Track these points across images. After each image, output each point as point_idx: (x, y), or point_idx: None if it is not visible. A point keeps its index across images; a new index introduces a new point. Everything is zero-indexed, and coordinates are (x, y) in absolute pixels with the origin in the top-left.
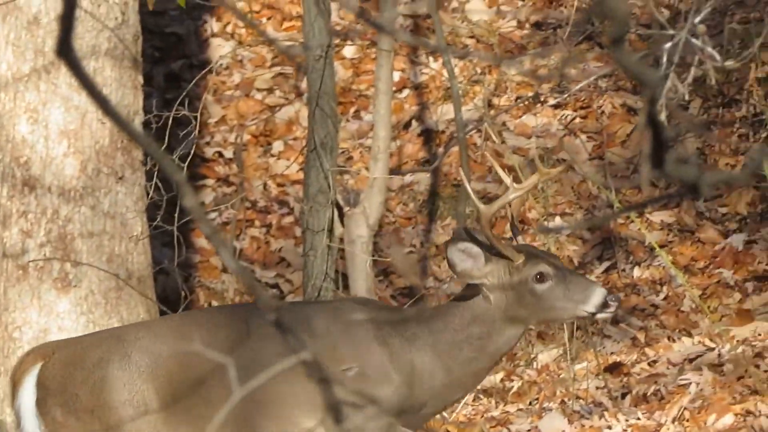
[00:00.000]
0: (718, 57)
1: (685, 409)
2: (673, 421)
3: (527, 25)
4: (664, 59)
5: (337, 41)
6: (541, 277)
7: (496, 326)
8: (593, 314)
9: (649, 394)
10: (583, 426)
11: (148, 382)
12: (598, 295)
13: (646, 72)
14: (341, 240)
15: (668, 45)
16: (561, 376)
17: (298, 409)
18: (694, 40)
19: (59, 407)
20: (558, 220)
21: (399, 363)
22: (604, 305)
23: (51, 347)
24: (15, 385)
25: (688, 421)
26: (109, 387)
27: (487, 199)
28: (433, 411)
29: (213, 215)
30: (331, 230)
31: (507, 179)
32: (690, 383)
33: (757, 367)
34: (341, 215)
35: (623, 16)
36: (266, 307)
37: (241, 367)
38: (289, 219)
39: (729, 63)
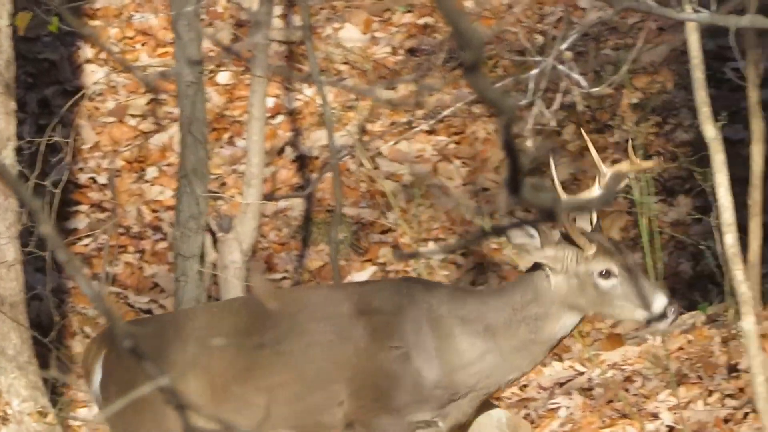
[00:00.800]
0: (584, 83)
1: None
2: None
3: (401, 51)
4: (531, 85)
5: (210, 67)
6: (606, 274)
7: (553, 309)
8: (649, 321)
9: (527, 415)
10: None
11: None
12: (659, 303)
13: (500, 99)
14: (215, 266)
15: (534, 72)
16: None
17: None
18: (561, 67)
19: (117, 390)
20: (431, 245)
21: (446, 351)
22: (663, 315)
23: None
24: (88, 371)
25: None
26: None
27: (361, 224)
28: (486, 392)
29: (87, 241)
30: (203, 256)
31: (600, 165)
32: (560, 407)
33: (626, 390)
34: (215, 241)
35: (478, 43)
36: (121, 334)
37: None
38: (162, 245)
39: (595, 89)
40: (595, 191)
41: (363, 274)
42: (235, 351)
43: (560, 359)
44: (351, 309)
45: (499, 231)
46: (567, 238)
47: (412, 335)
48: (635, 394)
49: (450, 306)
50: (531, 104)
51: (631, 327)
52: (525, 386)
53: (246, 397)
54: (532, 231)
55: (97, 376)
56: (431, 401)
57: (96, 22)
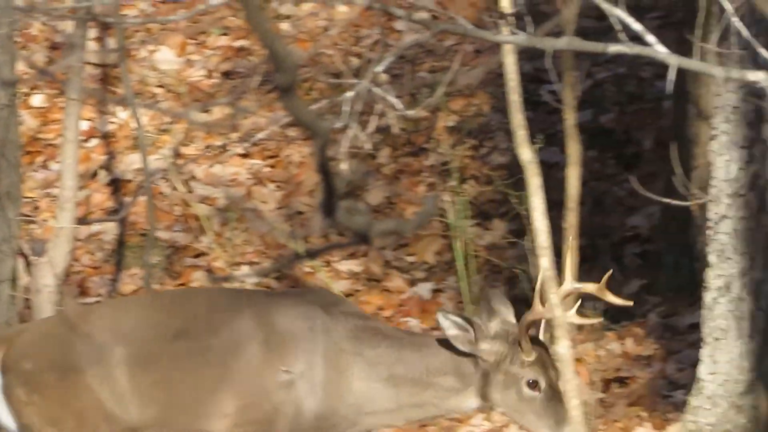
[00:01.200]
0: (400, 106)
1: None
2: None
3: (216, 74)
4: (346, 108)
5: (24, 90)
6: (534, 384)
7: (467, 391)
8: None
9: None
10: None
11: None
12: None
13: (315, 121)
14: (27, 289)
15: (349, 94)
16: None
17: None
18: (376, 89)
19: (23, 388)
20: (245, 269)
21: (335, 386)
22: None
23: (10, 335)
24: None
25: None
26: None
27: (175, 248)
28: (365, 430)
29: None
30: (14, 279)
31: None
32: None
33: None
34: (27, 264)
35: (292, 66)
36: None
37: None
38: None
39: (411, 111)
40: None
41: None
42: (143, 343)
43: None
44: (254, 322)
45: (312, 254)
46: (513, 338)
47: (303, 363)
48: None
49: (356, 343)
50: (346, 127)
51: None
52: None
53: (145, 389)
54: (467, 325)
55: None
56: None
57: None
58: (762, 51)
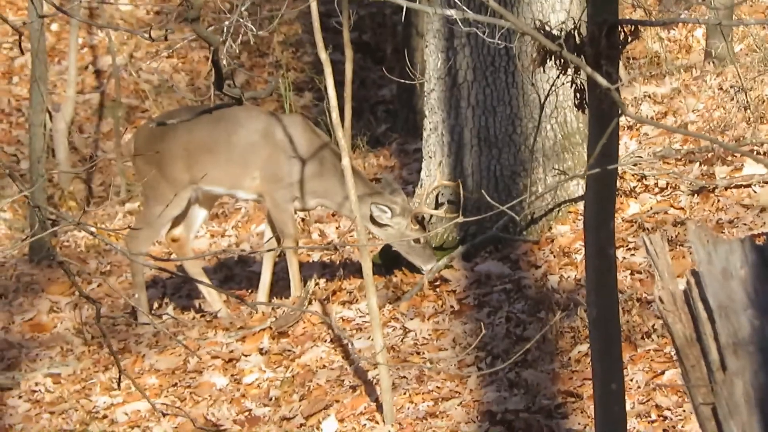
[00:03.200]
0: (253, 29)
1: (238, 221)
2: (231, 228)
3: (151, 12)
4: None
5: (47, 21)
6: (417, 241)
7: (381, 238)
8: (423, 271)
9: (220, 213)
10: None
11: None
12: (429, 266)
13: (210, 36)
14: (50, 131)
15: (227, 23)
16: None
17: None
18: (241, 20)
19: (140, 159)
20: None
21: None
22: (428, 271)
23: (142, 128)
24: (128, 152)
25: (239, 228)
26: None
27: (130, 107)
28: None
29: None
30: (44, 125)
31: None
32: (242, 207)
33: None
34: (50, 117)
35: (197, 6)
36: None
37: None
38: None
39: (260, 32)
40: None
41: None
42: (202, 132)
43: None
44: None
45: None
46: (407, 214)
47: None
48: None
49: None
50: (225, 41)
51: None
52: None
53: (202, 160)
54: (387, 209)
55: (130, 151)
56: None
57: None
58: None
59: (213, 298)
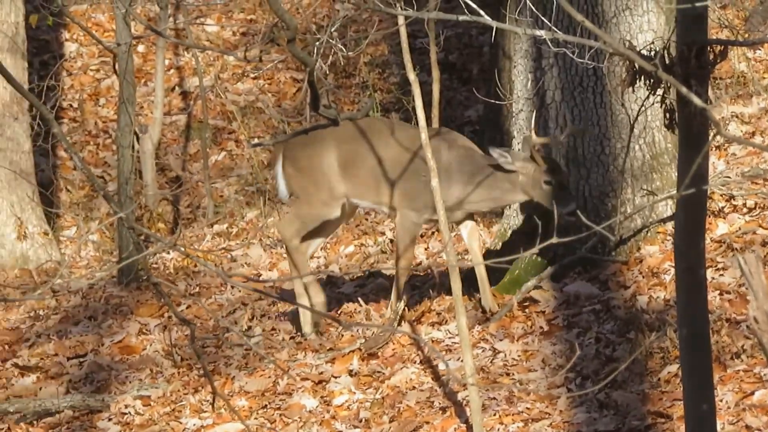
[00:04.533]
0: (342, 48)
1: (327, 243)
2: (320, 249)
3: (237, 34)
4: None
5: (133, 42)
6: (548, 182)
7: (516, 190)
8: (563, 214)
9: None
10: (272, 252)
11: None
12: (569, 207)
13: (305, 57)
14: (138, 152)
15: (318, 43)
16: None
17: None
18: (330, 40)
19: (290, 166)
20: (256, 140)
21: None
22: (568, 214)
23: (285, 142)
24: (274, 160)
25: (328, 249)
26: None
27: (217, 128)
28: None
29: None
30: (132, 147)
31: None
32: None
33: (366, 218)
34: (137, 138)
35: (293, 26)
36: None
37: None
38: None
39: (349, 53)
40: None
41: None
42: (351, 145)
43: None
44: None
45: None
46: (532, 158)
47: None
48: (372, 221)
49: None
50: (317, 61)
51: None
52: None
53: (353, 171)
54: (506, 152)
55: (279, 163)
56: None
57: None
58: (543, 19)
59: (305, 320)
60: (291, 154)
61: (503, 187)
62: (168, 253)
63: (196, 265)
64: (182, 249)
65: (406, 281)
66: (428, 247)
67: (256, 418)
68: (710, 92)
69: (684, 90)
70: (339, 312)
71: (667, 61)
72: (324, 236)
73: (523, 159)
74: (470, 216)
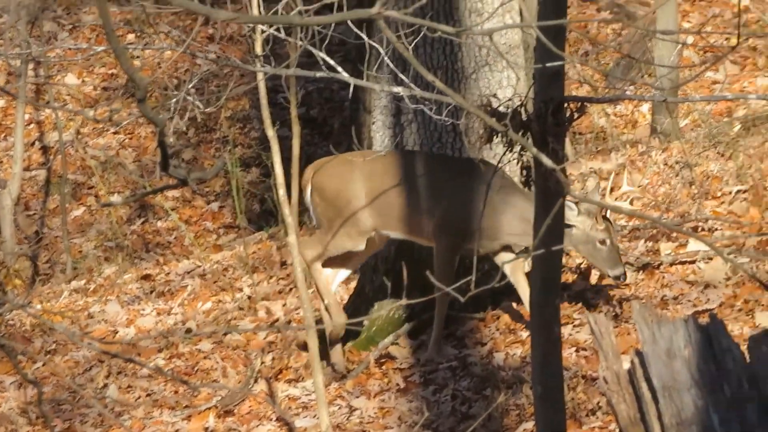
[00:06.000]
0: (200, 105)
1: (185, 299)
2: (177, 306)
3: (99, 89)
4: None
5: None
6: (603, 242)
7: (567, 240)
8: (609, 276)
9: (166, 291)
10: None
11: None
12: (617, 271)
13: (155, 116)
14: None
15: (173, 100)
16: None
17: None
18: (188, 96)
19: (317, 195)
20: (116, 196)
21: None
22: (617, 278)
23: (320, 163)
24: (303, 188)
25: (186, 305)
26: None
27: (77, 184)
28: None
29: None
30: None
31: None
32: (188, 285)
33: (224, 275)
34: None
35: (143, 86)
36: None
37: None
38: None
39: (208, 109)
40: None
41: None
42: (382, 177)
43: (188, 258)
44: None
45: (156, 190)
46: (592, 214)
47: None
48: (230, 277)
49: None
50: (172, 118)
51: (225, 241)
52: (168, 273)
53: (384, 205)
54: (573, 206)
55: (308, 190)
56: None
57: None
58: (401, 76)
59: (335, 355)
60: (319, 184)
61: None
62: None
63: (49, 327)
64: (29, 309)
65: (248, 340)
66: (285, 304)
67: None
68: (570, 148)
69: (534, 150)
70: (196, 369)
71: (524, 118)
72: (351, 268)
73: (584, 214)
74: (508, 248)
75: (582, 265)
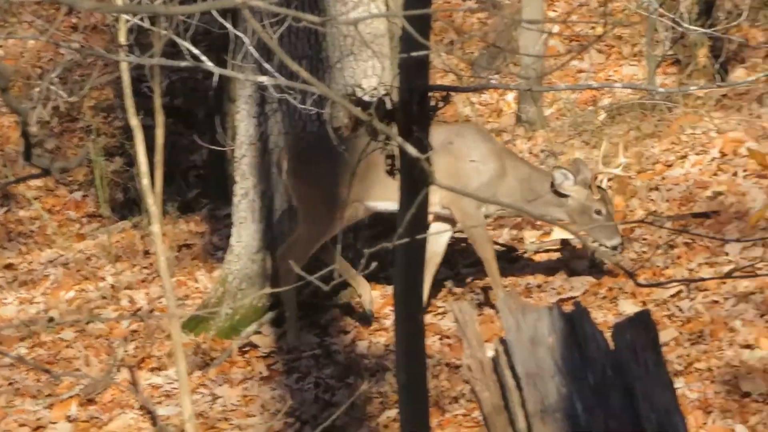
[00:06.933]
0: (64, 95)
1: (47, 288)
2: (40, 295)
3: None
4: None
5: None
6: (599, 212)
7: (561, 209)
8: (607, 247)
9: (29, 280)
10: None
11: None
12: (614, 241)
13: (18, 106)
14: None
15: (37, 89)
16: None
17: None
18: (51, 87)
19: (293, 174)
20: None
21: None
22: (613, 248)
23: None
24: (280, 165)
25: (48, 294)
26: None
27: None
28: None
29: None
30: None
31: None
32: (51, 274)
33: (87, 264)
34: None
35: (5, 75)
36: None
37: None
38: None
39: (71, 98)
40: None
41: None
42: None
43: (50, 247)
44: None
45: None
46: (588, 184)
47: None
48: (93, 267)
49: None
50: (35, 107)
51: (88, 230)
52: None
53: (371, 176)
54: (569, 175)
55: (284, 167)
56: None
57: None
58: (266, 65)
59: (366, 298)
60: (293, 165)
61: (547, 198)
62: None
63: None
64: None
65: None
66: (148, 293)
67: None
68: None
69: (399, 140)
70: (58, 358)
71: (389, 107)
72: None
73: (580, 183)
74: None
75: (448, 252)
